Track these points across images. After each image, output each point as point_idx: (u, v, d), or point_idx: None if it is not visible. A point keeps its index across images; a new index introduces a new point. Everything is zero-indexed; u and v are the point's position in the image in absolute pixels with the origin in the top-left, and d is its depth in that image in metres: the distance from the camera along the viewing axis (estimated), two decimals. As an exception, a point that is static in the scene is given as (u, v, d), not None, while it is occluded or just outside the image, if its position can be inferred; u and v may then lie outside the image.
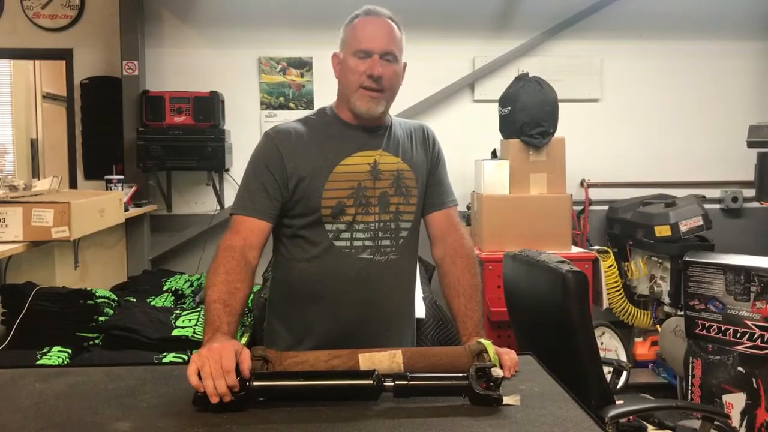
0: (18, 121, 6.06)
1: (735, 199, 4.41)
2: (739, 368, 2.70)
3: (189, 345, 2.53)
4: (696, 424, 2.33)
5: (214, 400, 1.17)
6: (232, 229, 1.59)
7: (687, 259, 2.88)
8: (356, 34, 1.62)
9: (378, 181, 1.65)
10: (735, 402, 2.73)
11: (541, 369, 1.49)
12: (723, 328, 2.73)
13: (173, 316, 2.67)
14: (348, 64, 1.62)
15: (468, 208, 3.96)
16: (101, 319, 2.55)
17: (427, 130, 1.81)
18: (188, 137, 3.86)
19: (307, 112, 1.94)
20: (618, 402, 2.02)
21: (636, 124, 4.42)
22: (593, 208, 4.34)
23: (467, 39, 4.31)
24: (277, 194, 1.61)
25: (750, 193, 4.11)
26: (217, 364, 1.18)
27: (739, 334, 2.68)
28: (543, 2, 4.32)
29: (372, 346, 1.48)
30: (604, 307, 3.66)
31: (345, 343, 1.54)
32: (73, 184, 4.20)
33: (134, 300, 2.98)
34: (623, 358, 3.86)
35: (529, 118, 3.48)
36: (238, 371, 1.20)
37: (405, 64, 1.70)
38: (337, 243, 1.63)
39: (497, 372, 1.23)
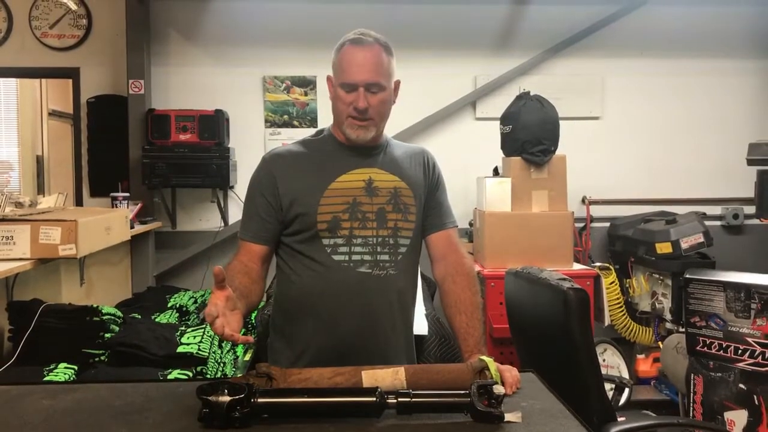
0: (24, 137, 6.11)
1: (736, 216, 4.42)
2: (741, 385, 2.71)
3: (193, 362, 2.54)
4: (698, 441, 2.34)
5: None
6: (237, 252, 1.72)
7: (688, 276, 2.88)
8: (342, 64, 1.67)
9: (375, 197, 1.69)
10: (737, 419, 2.72)
11: (542, 386, 1.50)
12: (724, 345, 2.73)
13: (178, 333, 2.69)
14: (337, 94, 1.68)
15: (470, 225, 3.98)
16: (107, 335, 2.56)
17: (427, 154, 1.86)
18: (193, 155, 3.91)
19: (311, 130, 1.99)
20: (620, 419, 2.03)
21: (637, 142, 4.45)
22: (595, 225, 4.36)
23: (469, 58, 4.35)
24: (270, 217, 1.69)
25: (751, 210, 4.13)
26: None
27: (740, 351, 2.68)
28: (544, 21, 4.37)
29: (369, 359, 1.51)
30: (606, 323, 3.66)
31: (344, 357, 1.57)
32: (78, 201, 4.23)
33: (139, 317, 2.99)
34: (625, 374, 3.87)
35: (531, 136, 3.50)
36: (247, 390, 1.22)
37: (398, 82, 1.74)
38: (336, 257, 1.66)
39: (499, 389, 1.25)
